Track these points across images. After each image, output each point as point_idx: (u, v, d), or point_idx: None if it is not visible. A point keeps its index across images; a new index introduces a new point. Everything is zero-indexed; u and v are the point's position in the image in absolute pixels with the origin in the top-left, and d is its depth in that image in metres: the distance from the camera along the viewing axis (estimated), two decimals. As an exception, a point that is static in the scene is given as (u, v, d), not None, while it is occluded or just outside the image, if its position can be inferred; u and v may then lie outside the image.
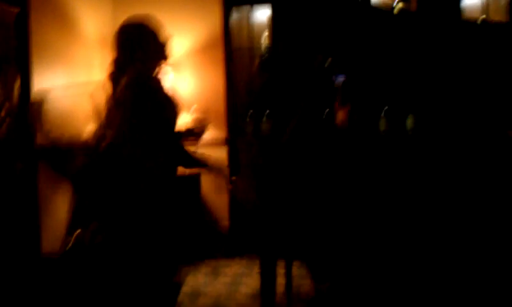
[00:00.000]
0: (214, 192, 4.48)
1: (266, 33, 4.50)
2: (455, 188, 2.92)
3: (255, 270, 3.47)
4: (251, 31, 4.50)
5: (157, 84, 2.45)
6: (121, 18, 4.81)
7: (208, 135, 4.79)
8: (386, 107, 4.37)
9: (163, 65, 2.59)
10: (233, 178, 3.46)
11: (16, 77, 3.79)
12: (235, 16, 4.52)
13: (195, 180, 4.45)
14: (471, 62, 3.31)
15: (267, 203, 2.79)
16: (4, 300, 3.02)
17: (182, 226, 2.69)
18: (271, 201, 2.78)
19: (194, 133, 2.87)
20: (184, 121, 2.88)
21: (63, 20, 4.22)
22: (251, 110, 4.52)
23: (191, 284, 3.72)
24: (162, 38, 2.57)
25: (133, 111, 2.36)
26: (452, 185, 2.92)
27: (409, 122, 4.31)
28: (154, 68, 2.54)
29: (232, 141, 4.40)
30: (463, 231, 2.94)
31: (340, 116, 3.47)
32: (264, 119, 4.47)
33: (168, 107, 2.48)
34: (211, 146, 4.76)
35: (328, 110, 3.69)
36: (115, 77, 2.49)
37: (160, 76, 2.55)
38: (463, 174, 2.91)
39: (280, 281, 3.53)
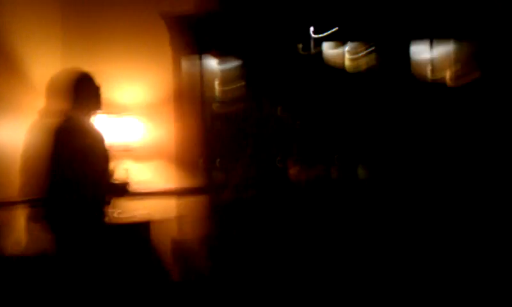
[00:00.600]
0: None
1: (217, 82, 4.48)
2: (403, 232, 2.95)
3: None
4: (202, 80, 4.47)
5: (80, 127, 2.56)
6: (72, 63, 4.79)
7: (162, 185, 4.70)
8: (337, 155, 4.41)
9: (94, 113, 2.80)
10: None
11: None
12: (186, 65, 4.48)
13: (145, 228, 4.31)
14: (419, 116, 3.37)
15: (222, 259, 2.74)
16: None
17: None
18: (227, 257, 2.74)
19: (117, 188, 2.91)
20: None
21: (9, 67, 4.12)
22: (202, 160, 4.46)
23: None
24: (95, 90, 2.70)
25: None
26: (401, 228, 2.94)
27: (360, 171, 4.35)
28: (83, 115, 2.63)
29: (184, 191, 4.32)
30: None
31: (293, 171, 3.45)
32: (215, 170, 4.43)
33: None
34: (163, 197, 4.66)
35: (278, 158, 3.67)
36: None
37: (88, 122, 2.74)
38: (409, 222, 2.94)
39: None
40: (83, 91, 2.66)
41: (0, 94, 3.98)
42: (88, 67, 4.72)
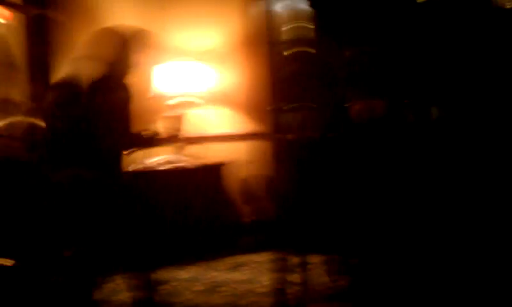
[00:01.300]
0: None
1: (286, 25, 4.43)
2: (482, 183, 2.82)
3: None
4: (272, 23, 4.41)
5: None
6: (152, 11, 4.75)
7: (250, 129, 4.74)
8: (409, 99, 4.27)
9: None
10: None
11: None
12: (255, 8, 4.44)
13: (216, 170, 4.44)
14: (499, 52, 3.21)
15: (298, 196, 2.77)
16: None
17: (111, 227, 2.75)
18: (302, 195, 2.76)
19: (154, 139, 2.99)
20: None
21: (86, 17, 4.26)
22: (270, 104, 4.47)
23: (207, 280, 3.71)
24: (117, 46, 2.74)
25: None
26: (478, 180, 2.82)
27: (434, 113, 4.20)
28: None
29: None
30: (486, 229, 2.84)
31: (357, 109, 3.38)
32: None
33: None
34: (252, 140, 4.71)
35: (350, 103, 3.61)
36: None
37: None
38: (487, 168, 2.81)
39: (297, 278, 3.49)
40: (120, 49, 2.72)
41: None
42: (159, 15, 4.84)
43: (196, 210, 4.30)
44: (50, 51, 3.86)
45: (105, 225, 2.73)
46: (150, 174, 4.23)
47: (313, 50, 4.34)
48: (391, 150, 2.88)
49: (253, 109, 4.46)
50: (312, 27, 4.29)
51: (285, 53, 4.42)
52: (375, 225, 3.07)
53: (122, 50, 2.78)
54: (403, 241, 3.36)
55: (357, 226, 3.10)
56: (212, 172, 4.41)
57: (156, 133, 3.02)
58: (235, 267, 3.99)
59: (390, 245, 3.40)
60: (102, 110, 2.66)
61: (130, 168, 4.18)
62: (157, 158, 4.39)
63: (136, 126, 2.95)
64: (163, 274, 3.84)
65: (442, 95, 3.51)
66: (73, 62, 2.79)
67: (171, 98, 4.51)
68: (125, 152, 2.89)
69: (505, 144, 2.85)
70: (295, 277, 3.48)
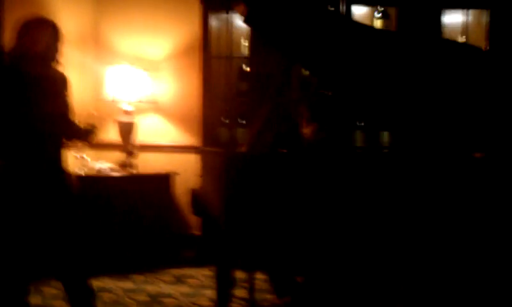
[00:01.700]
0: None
1: (245, 42, 4.48)
2: (425, 207, 2.91)
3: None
4: (230, 39, 4.48)
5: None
6: (102, 18, 4.86)
7: (182, 140, 4.80)
8: (362, 123, 4.40)
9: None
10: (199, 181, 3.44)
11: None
12: (214, 22, 4.50)
13: (165, 180, 4.44)
14: (448, 82, 3.30)
15: (232, 215, 2.74)
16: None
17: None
18: (237, 214, 2.73)
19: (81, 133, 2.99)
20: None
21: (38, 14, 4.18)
22: (226, 119, 4.51)
23: (150, 292, 3.68)
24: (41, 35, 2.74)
25: None
26: (423, 204, 2.90)
27: (384, 138, 4.34)
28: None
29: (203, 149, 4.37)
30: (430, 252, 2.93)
31: (307, 132, 3.44)
32: (238, 128, 4.48)
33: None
34: (183, 152, 4.75)
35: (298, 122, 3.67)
36: None
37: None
38: (433, 194, 2.89)
39: (243, 293, 3.51)
40: (26, 36, 2.73)
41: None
42: (117, 20, 4.85)
43: (143, 220, 4.28)
44: None
45: (45, 225, 2.69)
46: (102, 180, 4.18)
47: (251, 67, 4.42)
48: (335, 173, 2.91)
49: (207, 120, 4.48)
50: (248, 43, 4.39)
51: (244, 68, 4.47)
52: (319, 243, 3.12)
53: (53, 36, 2.79)
54: (347, 259, 3.44)
55: (301, 243, 3.15)
56: (161, 181, 4.40)
57: (94, 127, 2.99)
58: (180, 279, 3.98)
59: (334, 263, 3.47)
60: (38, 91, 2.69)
61: (80, 171, 4.13)
62: (107, 164, 4.35)
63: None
64: (107, 282, 3.79)
65: (392, 121, 3.57)
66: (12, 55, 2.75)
67: (121, 102, 4.48)
68: (64, 142, 2.86)
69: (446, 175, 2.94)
70: (241, 293, 3.51)
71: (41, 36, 2.73)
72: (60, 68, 2.85)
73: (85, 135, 2.96)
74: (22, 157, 2.68)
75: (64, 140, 2.85)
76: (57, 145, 2.80)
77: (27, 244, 2.70)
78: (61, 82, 2.82)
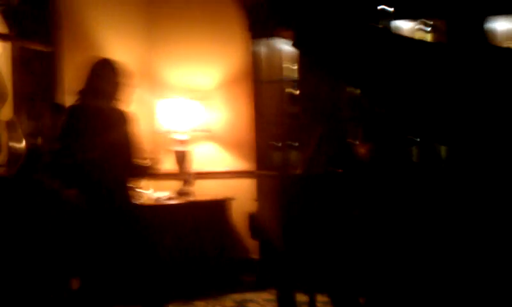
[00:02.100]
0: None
1: (295, 66, 4.52)
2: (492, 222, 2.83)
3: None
4: (279, 64, 4.54)
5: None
6: (154, 52, 5.02)
7: (237, 166, 4.86)
8: (418, 139, 4.34)
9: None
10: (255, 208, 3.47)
11: (49, 112, 3.94)
12: (262, 48, 4.57)
13: (221, 205, 4.49)
14: (505, 90, 3.22)
15: (291, 237, 2.75)
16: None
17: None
18: (295, 236, 2.74)
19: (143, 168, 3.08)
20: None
21: (96, 52, 4.36)
22: (280, 142, 4.54)
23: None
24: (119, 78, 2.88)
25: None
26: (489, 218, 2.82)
27: (443, 152, 4.25)
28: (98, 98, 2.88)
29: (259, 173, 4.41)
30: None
31: (362, 151, 3.43)
32: (290, 151, 4.49)
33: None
34: (238, 177, 4.80)
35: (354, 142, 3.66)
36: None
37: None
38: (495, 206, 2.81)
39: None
40: (97, 76, 2.88)
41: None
42: (167, 53, 4.99)
43: (202, 246, 4.34)
44: (36, 82, 3.96)
45: (115, 255, 2.76)
46: (160, 208, 4.27)
47: (300, 90, 4.44)
48: (393, 190, 2.88)
49: (259, 144, 4.53)
50: (297, 66, 4.43)
51: (293, 91, 4.51)
52: (380, 263, 3.08)
53: (119, 80, 2.93)
54: (408, 279, 3.37)
55: (361, 264, 3.11)
56: (217, 207, 4.46)
57: (155, 162, 3.10)
58: (242, 304, 3.99)
59: (395, 283, 3.41)
60: (109, 138, 2.79)
61: (140, 201, 4.24)
62: (166, 192, 4.45)
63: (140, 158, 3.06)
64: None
65: (446, 135, 3.50)
66: (81, 94, 2.91)
67: (175, 133, 4.60)
68: (130, 182, 2.96)
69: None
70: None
71: (104, 76, 2.88)
72: (123, 105, 2.98)
73: (145, 172, 3.07)
74: (89, 185, 2.78)
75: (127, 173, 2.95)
76: (121, 174, 2.89)
77: (106, 267, 2.79)
78: (121, 118, 2.94)
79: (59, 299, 3.67)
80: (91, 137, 2.79)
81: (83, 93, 2.90)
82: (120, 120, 2.92)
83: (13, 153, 3.31)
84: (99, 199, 2.78)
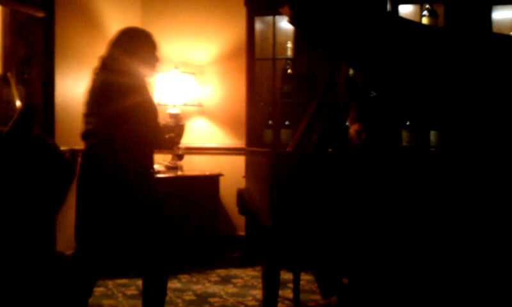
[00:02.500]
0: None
1: (290, 44, 4.49)
2: (474, 205, 2.83)
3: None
4: (275, 42, 4.50)
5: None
6: (149, 23, 4.97)
7: (227, 142, 4.84)
8: (408, 122, 4.34)
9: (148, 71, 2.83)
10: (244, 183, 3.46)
11: (40, 77, 3.90)
12: (259, 26, 4.53)
13: (211, 181, 4.49)
14: (501, 79, 3.20)
15: (278, 215, 2.74)
16: (17, 298, 3.07)
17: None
18: (283, 214, 2.73)
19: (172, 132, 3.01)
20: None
21: (89, 22, 4.31)
22: (272, 120, 4.53)
23: (197, 292, 3.72)
24: (151, 48, 2.76)
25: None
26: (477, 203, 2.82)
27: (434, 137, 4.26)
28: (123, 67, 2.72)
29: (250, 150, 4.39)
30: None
31: (352, 132, 3.42)
32: (284, 129, 4.48)
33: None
34: (229, 154, 4.80)
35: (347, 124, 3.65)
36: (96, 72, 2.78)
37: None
38: (482, 192, 2.81)
39: (289, 293, 3.51)
40: (123, 45, 2.74)
41: (84, 51, 4.18)
42: (163, 26, 4.94)
43: (190, 221, 4.34)
44: (28, 47, 3.91)
45: (116, 225, 2.71)
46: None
47: (295, 68, 4.41)
48: (381, 173, 2.85)
49: (253, 122, 4.51)
50: (292, 45, 4.40)
51: (289, 70, 4.48)
52: (365, 243, 3.09)
53: (151, 48, 2.82)
54: (394, 261, 3.39)
55: (347, 244, 3.12)
56: (207, 183, 4.46)
57: (176, 136, 3.06)
58: (227, 279, 4.01)
59: (381, 264, 3.43)
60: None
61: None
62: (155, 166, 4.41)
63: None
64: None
65: (440, 119, 3.48)
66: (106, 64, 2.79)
67: (170, 107, 4.57)
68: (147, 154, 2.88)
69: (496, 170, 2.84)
70: (287, 293, 3.51)
71: (133, 47, 2.76)
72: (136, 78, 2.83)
73: (169, 144, 3.03)
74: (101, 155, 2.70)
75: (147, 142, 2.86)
76: (138, 146, 2.79)
77: (112, 240, 2.75)
78: (137, 89, 2.78)
79: (50, 262, 3.66)
80: (110, 109, 2.68)
81: (108, 63, 2.74)
82: (141, 89, 2.80)
83: (7, 108, 3.27)
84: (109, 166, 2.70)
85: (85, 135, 2.72)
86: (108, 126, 2.65)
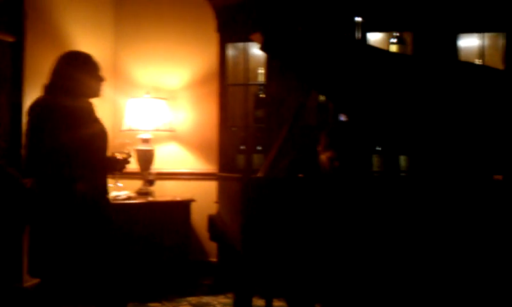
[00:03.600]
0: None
1: (261, 70, 4.52)
2: (447, 232, 2.86)
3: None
4: (247, 67, 4.53)
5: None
6: (121, 49, 4.96)
7: (199, 167, 4.82)
8: (379, 148, 4.38)
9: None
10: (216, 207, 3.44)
11: (8, 102, 3.84)
12: (231, 52, 4.56)
13: (183, 207, 4.45)
14: (466, 105, 3.26)
15: (249, 241, 2.72)
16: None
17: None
18: (254, 240, 2.71)
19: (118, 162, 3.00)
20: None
21: (60, 47, 4.23)
22: (244, 146, 4.53)
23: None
24: (90, 68, 2.77)
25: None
26: (445, 229, 2.85)
27: (403, 163, 4.31)
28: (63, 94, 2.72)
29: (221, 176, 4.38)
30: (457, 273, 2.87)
31: (324, 158, 3.43)
32: (256, 154, 4.49)
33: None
34: (201, 179, 4.77)
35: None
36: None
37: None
38: (454, 217, 2.84)
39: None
40: (62, 71, 2.75)
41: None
42: (136, 52, 4.94)
43: (161, 247, 4.29)
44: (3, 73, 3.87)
45: (77, 252, 2.67)
46: (119, 207, 4.19)
47: (267, 94, 4.44)
48: (352, 199, 2.86)
49: (225, 148, 4.51)
50: (264, 71, 4.44)
51: (261, 96, 4.51)
52: (337, 271, 3.08)
53: (90, 68, 2.82)
54: (365, 286, 3.39)
55: (319, 269, 3.11)
56: (179, 208, 4.42)
57: (129, 155, 3.02)
58: (198, 307, 3.95)
59: (352, 290, 3.42)
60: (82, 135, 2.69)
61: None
62: (125, 191, 4.37)
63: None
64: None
65: (409, 145, 3.53)
66: (49, 89, 2.77)
67: (141, 132, 4.54)
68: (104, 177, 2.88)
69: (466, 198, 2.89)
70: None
71: (71, 70, 2.76)
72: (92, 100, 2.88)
73: (121, 164, 2.99)
74: (60, 181, 2.68)
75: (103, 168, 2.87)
76: (97, 171, 2.80)
77: (66, 264, 2.70)
78: (93, 112, 2.84)
79: (12, 295, 3.56)
80: (64, 134, 2.65)
81: (51, 88, 2.75)
82: (92, 115, 2.81)
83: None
84: (71, 197, 2.66)
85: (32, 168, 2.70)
86: (58, 157, 2.64)
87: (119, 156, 2.95)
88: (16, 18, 3.87)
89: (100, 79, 2.86)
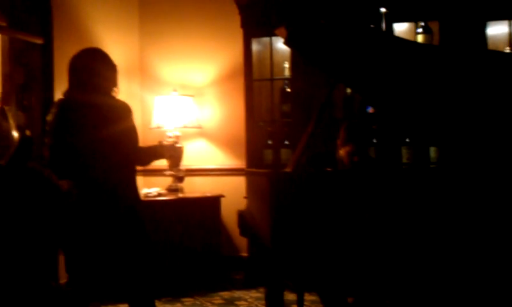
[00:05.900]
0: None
1: (287, 64, 4.51)
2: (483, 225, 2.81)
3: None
4: (272, 62, 4.53)
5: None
6: (148, 48, 5.00)
7: (227, 163, 4.85)
8: (407, 139, 4.35)
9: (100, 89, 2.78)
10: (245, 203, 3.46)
11: (40, 102, 3.91)
12: (256, 47, 4.56)
13: (212, 202, 4.49)
14: (497, 94, 3.21)
15: (280, 236, 2.73)
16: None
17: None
18: (284, 234, 2.72)
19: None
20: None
21: (87, 46, 4.31)
22: (271, 141, 4.54)
23: (203, 315, 3.70)
24: (107, 70, 2.77)
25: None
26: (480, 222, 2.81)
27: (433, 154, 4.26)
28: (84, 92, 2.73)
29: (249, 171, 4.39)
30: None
31: (342, 153, 3.40)
32: (284, 149, 4.49)
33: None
34: (230, 175, 4.80)
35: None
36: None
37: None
38: (488, 208, 2.80)
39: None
40: (78, 69, 2.75)
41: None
42: (162, 49, 4.98)
43: (191, 243, 4.33)
44: (26, 74, 3.92)
45: (109, 251, 2.70)
46: (150, 204, 4.24)
47: (292, 88, 4.43)
48: (380, 191, 2.84)
49: (252, 143, 4.52)
50: (289, 65, 4.43)
51: (286, 90, 4.50)
52: (369, 264, 3.06)
53: (112, 72, 2.82)
54: (398, 280, 3.37)
55: (352, 264, 3.10)
56: (208, 204, 4.45)
57: (176, 142, 3.02)
58: (231, 302, 3.98)
59: (385, 284, 3.41)
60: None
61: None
62: (156, 188, 4.42)
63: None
64: (157, 306, 3.82)
65: (439, 136, 3.48)
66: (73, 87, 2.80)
67: (170, 130, 4.59)
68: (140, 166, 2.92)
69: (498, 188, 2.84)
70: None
71: (96, 67, 2.78)
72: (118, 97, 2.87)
73: (170, 151, 2.99)
74: (87, 181, 2.70)
75: (134, 165, 2.87)
76: (126, 170, 2.79)
77: (100, 265, 2.75)
78: (122, 111, 2.80)
79: (46, 293, 3.64)
80: (88, 132, 2.69)
81: (74, 86, 2.77)
82: (119, 113, 2.81)
83: (5, 142, 3.27)
84: (99, 195, 2.70)
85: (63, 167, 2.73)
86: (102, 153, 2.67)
87: (166, 143, 2.95)
88: (44, 19, 3.95)
89: (114, 70, 2.84)
